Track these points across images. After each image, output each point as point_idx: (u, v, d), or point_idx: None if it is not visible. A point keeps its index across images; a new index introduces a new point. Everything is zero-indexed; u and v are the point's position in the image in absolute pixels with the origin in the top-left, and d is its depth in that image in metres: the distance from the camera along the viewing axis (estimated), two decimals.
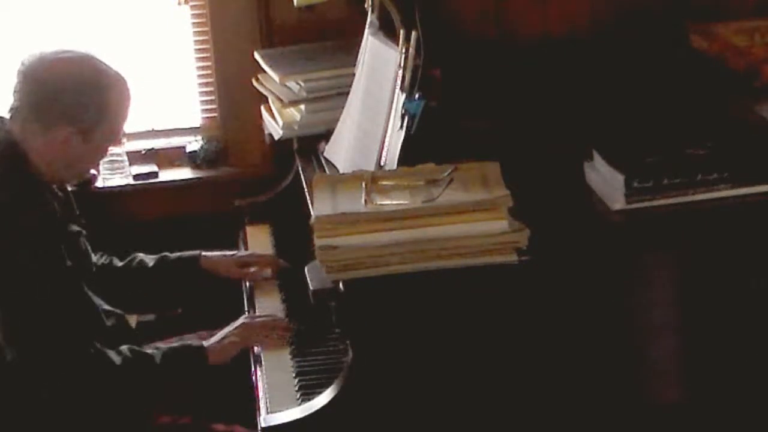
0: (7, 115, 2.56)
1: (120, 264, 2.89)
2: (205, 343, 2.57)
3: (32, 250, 2.43)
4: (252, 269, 2.92)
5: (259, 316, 2.68)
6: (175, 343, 2.65)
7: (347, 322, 2.27)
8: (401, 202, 2.29)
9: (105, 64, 2.57)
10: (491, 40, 3.24)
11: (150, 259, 2.91)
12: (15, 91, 2.55)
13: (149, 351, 2.54)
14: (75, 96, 2.51)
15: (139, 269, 2.89)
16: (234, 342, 2.57)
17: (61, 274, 2.48)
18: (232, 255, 2.94)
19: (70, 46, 2.59)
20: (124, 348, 2.50)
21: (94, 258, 2.80)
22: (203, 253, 2.92)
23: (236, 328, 2.60)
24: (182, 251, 2.94)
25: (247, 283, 2.90)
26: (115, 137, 2.63)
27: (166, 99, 3.52)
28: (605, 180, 2.44)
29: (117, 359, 2.47)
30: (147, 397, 2.56)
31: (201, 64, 3.45)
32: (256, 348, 2.57)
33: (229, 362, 2.57)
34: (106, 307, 2.68)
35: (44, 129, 2.51)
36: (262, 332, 2.58)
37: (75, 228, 2.63)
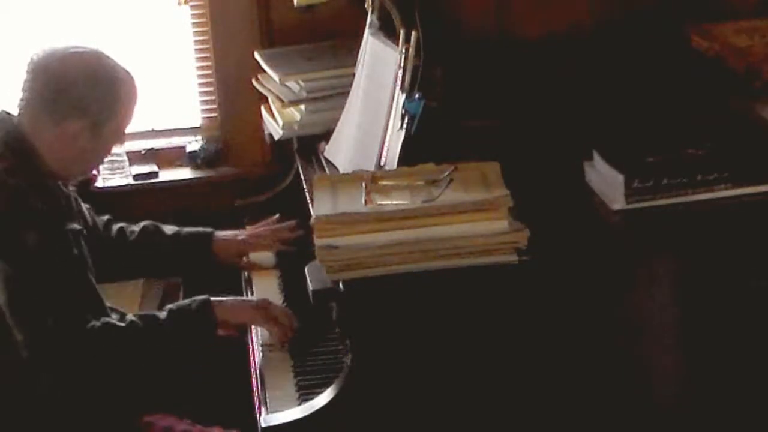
0: (16, 110, 2.58)
1: (132, 238, 2.90)
2: (213, 298, 2.55)
3: (40, 233, 2.45)
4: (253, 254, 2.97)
5: (279, 306, 2.65)
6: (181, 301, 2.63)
7: (347, 322, 2.27)
8: (401, 202, 2.29)
9: (114, 60, 2.61)
10: (491, 39, 3.24)
11: (162, 235, 2.91)
12: (25, 86, 2.57)
13: (155, 312, 2.54)
14: (88, 89, 2.54)
15: (151, 243, 2.90)
16: (242, 309, 2.56)
17: (67, 257, 2.50)
18: (237, 237, 2.95)
19: (79, 41, 2.61)
20: (129, 315, 2.52)
21: (101, 226, 2.84)
22: (216, 234, 2.93)
23: (252, 299, 2.60)
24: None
25: (247, 285, 2.90)
26: (121, 135, 2.66)
27: (166, 99, 3.52)
28: (605, 180, 2.44)
29: (122, 324, 2.47)
30: (158, 358, 2.53)
31: (201, 64, 3.45)
32: (257, 349, 2.56)
33: (235, 324, 2.56)
34: (109, 304, 2.69)
35: (55, 122, 2.54)
36: (275, 319, 2.55)
37: (77, 226, 2.64)
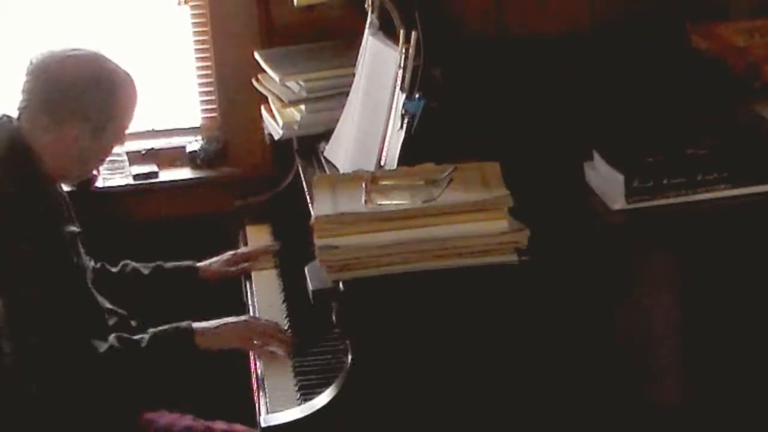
0: (15, 114, 2.58)
1: (114, 270, 2.89)
2: (195, 325, 2.53)
3: (36, 241, 2.45)
4: (245, 264, 2.97)
5: (264, 321, 2.63)
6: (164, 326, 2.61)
7: (347, 322, 2.27)
8: (401, 202, 2.29)
9: (114, 62, 2.61)
10: (491, 39, 3.24)
11: (144, 268, 2.90)
12: (24, 89, 2.57)
13: (137, 337, 2.52)
14: (86, 93, 2.54)
15: (133, 276, 2.89)
16: (228, 334, 2.53)
17: (64, 266, 2.50)
18: (219, 259, 2.96)
19: (78, 44, 2.61)
20: (111, 337, 2.50)
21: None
22: (198, 265, 2.94)
23: (237, 322, 2.57)
24: (181, 253, 2.96)
25: (247, 285, 2.90)
26: (122, 136, 2.66)
27: (166, 99, 3.52)
28: (605, 180, 2.44)
29: (102, 347, 2.46)
30: (137, 383, 2.53)
31: (201, 64, 3.45)
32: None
33: (218, 350, 2.52)
34: (109, 306, 2.69)
35: (55, 125, 2.53)
36: (261, 337, 2.53)
37: (75, 229, 2.64)
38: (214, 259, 2.97)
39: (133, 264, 2.91)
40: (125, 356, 2.48)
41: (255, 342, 2.54)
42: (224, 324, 2.55)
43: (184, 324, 2.54)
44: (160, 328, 2.54)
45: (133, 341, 2.50)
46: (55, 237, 2.50)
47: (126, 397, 2.56)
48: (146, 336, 2.51)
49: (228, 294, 2.92)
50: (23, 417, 2.50)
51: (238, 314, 2.70)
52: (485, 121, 2.69)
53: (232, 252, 3.01)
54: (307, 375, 2.43)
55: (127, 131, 2.68)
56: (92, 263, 2.83)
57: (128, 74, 2.61)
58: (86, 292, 2.59)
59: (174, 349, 2.51)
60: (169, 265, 2.93)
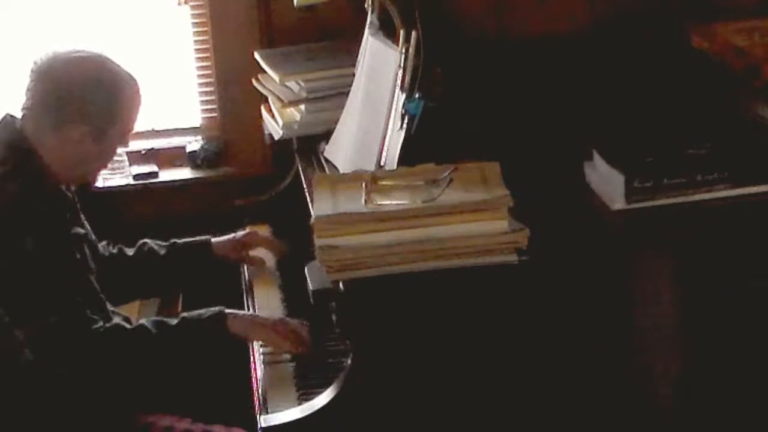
0: (19, 114, 2.58)
1: (131, 253, 2.89)
2: (228, 310, 2.52)
3: (39, 236, 2.45)
4: (252, 252, 2.97)
5: (296, 322, 2.60)
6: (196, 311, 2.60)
7: (347, 322, 2.27)
8: (401, 202, 2.29)
9: (118, 65, 2.61)
10: (491, 39, 3.24)
11: (160, 247, 2.91)
12: (28, 90, 2.57)
13: (166, 318, 2.52)
14: (89, 95, 2.54)
15: (150, 257, 2.90)
16: (260, 324, 2.52)
17: (69, 260, 2.50)
18: (233, 237, 2.97)
19: (83, 45, 2.61)
20: (142, 319, 2.51)
21: (102, 249, 2.83)
22: (213, 240, 2.94)
23: (269, 317, 2.56)
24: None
25: (247, 280, 2.90)
26: (125, 139, 2.66)
27: (166, 99, 3.52)
28: (605, 180, 2.44)
29: (130, 326, 2.47)
30: (164, 363, 2.52)
31: (201, 64, 3.45)
32: (257, 349, 2.56)
33: (248, 339, 2.53)
34: (111, 308, 2.69)
35: (56, 127, 2.54)
36: (291, 336, 2.51)
37: (80, 231, 2.65)
38: (227, 236, 2.97)
39: (149, 244, 2.92)
40: (155, 335, 2.47)
41: (281, 339, 2.51)
42: (258, 318, 2.57)
43: (215, 308, 2.53)
44: (191, 312, 2.54)
45: (163, 322, 2.50)
46: (59, 235, 2.51)
47: (151, 378, 2.57)
48: (176, 318, 2.51)
49: (227, 293, 2.92)
50: (29, 412, 2.50)
51: (236, 306, 2.71)
52: (485, 121, 2.69)
53: (244, 232, 3.01)
54: (307, 375, 2.43)
55: (131, 133, 2.68)
56: (109, 248, 2.86)
57: (132, 77, 2.61)
58: (91, 289, 2.59)
59: (204, 331, 2.49)
60: (183, 242, 2.93)
